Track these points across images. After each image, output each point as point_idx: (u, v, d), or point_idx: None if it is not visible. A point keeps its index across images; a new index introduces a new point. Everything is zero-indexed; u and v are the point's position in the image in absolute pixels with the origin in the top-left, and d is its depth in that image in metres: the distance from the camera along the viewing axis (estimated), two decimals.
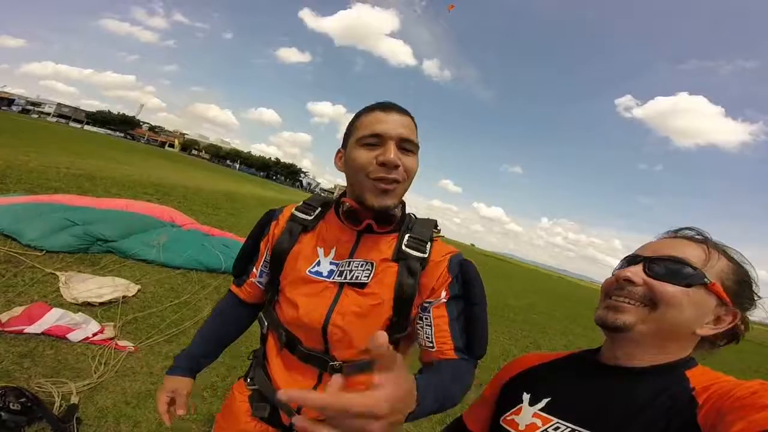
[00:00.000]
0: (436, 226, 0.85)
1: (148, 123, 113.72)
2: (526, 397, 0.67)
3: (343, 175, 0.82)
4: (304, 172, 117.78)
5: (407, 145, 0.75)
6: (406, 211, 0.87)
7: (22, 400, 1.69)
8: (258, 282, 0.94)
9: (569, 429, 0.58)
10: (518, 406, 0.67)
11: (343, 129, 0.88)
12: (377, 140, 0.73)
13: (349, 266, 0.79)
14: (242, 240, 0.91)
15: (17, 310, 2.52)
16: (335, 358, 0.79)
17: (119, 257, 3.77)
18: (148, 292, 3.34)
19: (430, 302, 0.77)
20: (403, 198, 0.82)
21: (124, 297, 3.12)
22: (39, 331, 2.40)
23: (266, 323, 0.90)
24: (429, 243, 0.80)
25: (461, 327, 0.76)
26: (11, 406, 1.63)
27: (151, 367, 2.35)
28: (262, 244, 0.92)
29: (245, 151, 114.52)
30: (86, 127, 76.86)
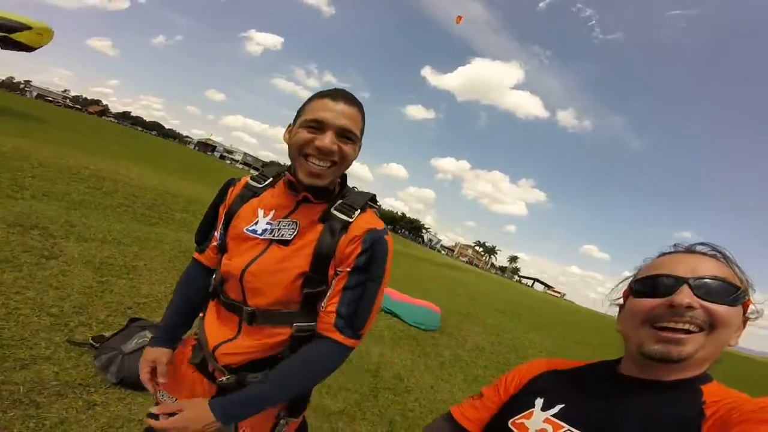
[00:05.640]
0: (374, 199, 0.89)
1: None
2: (538, 401, 0.65)
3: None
4: (427, 228, 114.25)
5: (348, 134, 0.80)
6: (348, 185, 0.91)
7: None
8: (218, 245, 0.96)
9: None
10: (529, 410, 0.64)
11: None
12: (319, 125, 0.78)
13: (278, 225, 0.85)
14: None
15: None
16: (250, 306, 0.83)
17: None
18: None
19: (340, 270, 0.80)
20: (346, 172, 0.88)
21: None
22: None
23: (212, 280, 0.94)
24: (359, 211, 0.83)
25: (351, 297, 0.78)
26: None
27: None
28: (221, 209, 0.96)
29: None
30: None
